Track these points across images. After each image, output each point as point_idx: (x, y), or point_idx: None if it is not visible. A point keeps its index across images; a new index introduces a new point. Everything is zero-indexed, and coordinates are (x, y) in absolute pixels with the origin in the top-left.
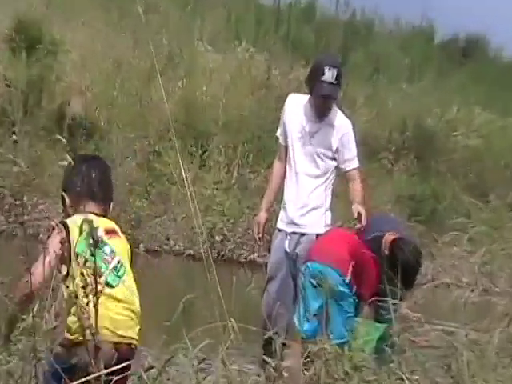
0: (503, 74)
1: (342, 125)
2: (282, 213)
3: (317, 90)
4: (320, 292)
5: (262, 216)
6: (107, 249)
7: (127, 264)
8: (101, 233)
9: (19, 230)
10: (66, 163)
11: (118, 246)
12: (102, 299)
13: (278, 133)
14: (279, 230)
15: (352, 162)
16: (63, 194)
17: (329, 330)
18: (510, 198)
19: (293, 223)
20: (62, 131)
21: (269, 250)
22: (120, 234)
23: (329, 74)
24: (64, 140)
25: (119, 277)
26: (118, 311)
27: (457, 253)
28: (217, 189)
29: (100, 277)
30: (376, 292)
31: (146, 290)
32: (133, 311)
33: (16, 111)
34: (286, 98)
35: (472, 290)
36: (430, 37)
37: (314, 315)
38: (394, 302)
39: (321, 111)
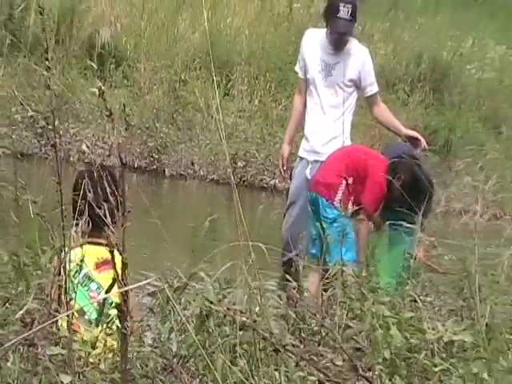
0: None
1: (360, 52)
2: (303, 142)
3: (333, 27)
4: (316, 217)
5: (286, 148)
6: (93, 285)
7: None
8: (89, 268)
9: (51, 152)
10: (96, 90)
11: (107, 280)
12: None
13: (297, 67)
14: (301, 159)
15: (373, 87)
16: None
17: (328, 252)
18: None
19: (314, 152)
20: (92, 60)
21: (290, 178)
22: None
23: (344, 11)
24: (95, 65)
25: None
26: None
27: (469, 182)
28: (240, 117)
29: (81, 315)
30: (379, 206)
31: (172, 212)
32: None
33: (48, 39)
34: (304, 33)
35: (481, 216)
36: None
37: (314, 239)
38: (409, 225)
39: (337, 46)
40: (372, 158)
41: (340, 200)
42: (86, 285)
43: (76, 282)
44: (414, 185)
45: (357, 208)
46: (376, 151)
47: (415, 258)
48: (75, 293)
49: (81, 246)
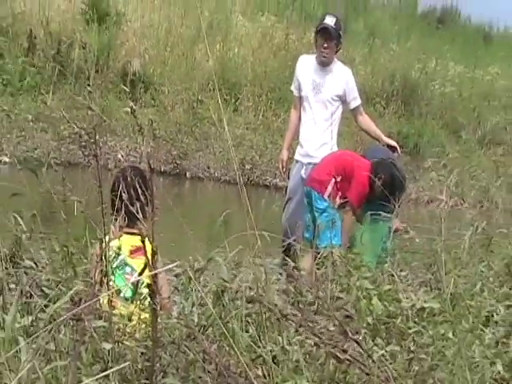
0: (471, 37)
1: (343, 72)
2: (299, 148)
3: (318, 27)
4: (309, 208)
5: (284, 154)
6: (128, 269)
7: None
8: (125, 254)
9: (93, 161)
10: (128, 109)
11: (139, 265)
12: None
13: (293, 87)
14: (297, 161)
15: (356, 100)
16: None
17: (319, 237)
18: (477, 134)
19: (308, 155)
20: (125, 85)
21: (288, 177)
22: (146, 248)
23: (328, 19)
24: (127, 89)
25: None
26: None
27: (434, 177)
28: (246, 128)
29: (118, 294)
30: (363, 201)
31: (192, 208)
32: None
33: (90, 69)
34: (298, 59)
35: (445, 204)
36: (413, 8)
37: (308, 226)
38: (387, 214)
39: (323, 51)
40: (357, 161)
41: (329, 194)
42: (122, 268)
43: (114, 266)
44: (392, 183)
45: (343, 201)
46: (360, 156)
47: (395, 231)
48: (114, 276)
49: (118, 237)
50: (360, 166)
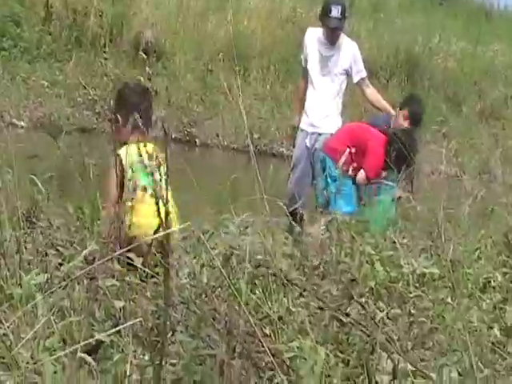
0: (474, 14)
1: (350, 46)
2: (304, 117)
3: (326, 24)
4: (323, 173)
5: (296, 120)
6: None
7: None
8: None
9: (107, 126)
10: (141, 78)
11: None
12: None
13: (301, 57)
14: (301, 130)
15: (362, 73)
16: (116, 115)
17: (331, 204)
18: (477, 107)
19: (313, 125)
20: (138, 54)
21: (293, 146)
22: (158, 154)
23: (334, 11)
24: (145, 56)
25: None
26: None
27: (435, 149)
28: (255, 99)
29: (144, 190)
30: (380, 172)
31: (201, 174)
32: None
33: (104, 37)
34: (306, 31)
35: (446, 174)
36: None
37: (323, 189)
38: (390, 183)
39: (331, 40)
40: (372, 135)
41: (343, 163)
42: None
43: (136, 166)
44: (406, 155)
45: (355, 171)
46: (370, 127)
47: (398, 198)
48: (133, 172)
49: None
50: (374, 139)
